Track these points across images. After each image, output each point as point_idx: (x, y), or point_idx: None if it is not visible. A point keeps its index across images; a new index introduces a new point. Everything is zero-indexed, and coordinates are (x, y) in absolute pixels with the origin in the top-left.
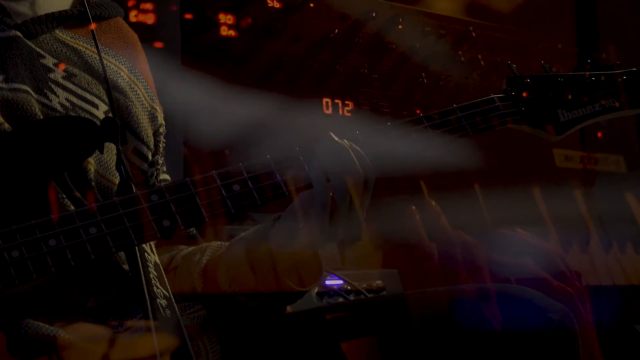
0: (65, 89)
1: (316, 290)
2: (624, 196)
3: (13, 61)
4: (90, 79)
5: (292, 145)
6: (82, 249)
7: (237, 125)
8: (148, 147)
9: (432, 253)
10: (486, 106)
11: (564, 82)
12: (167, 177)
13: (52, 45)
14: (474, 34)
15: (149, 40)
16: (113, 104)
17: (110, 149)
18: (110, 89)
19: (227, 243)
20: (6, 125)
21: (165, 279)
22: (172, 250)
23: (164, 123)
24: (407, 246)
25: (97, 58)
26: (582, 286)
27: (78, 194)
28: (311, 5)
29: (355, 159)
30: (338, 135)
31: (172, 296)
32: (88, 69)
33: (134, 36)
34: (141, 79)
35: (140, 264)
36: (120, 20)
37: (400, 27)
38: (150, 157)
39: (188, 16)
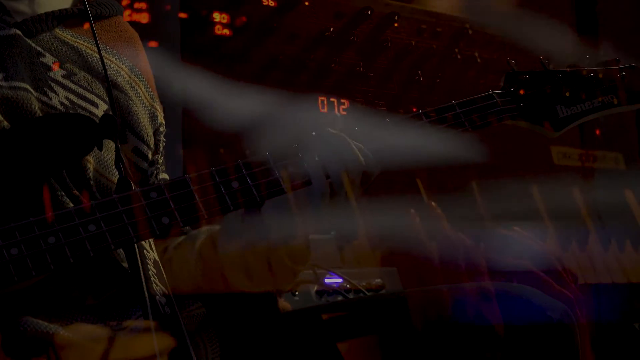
0: (65, 87)
1: (315, 288)
2: (623, 193)
3: (13, 59)
4: (90, 77)
5: (289, 144)
6: (81, 247)
7: (232, 124)
8: (148, 146)
9: (432, 256)
10: (484, 102)
11: (562, 78)
12: (166, 176)
13: (52, 43)
14: (470, 32)
15: (143, 39)
16: (113, 102)
17: (110, 147)
18: (111, 87)
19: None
20: (5, 123)
21: (165, 277)
22: (165, 243)
23: (164, 122)
24: (407, 248)
25: (98, 57)
26: (577, 288)
27: (77, 192)
28: (306, 3)
29: (353, 147)
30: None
31: (171, 293)
32: (88, 67)
33: (134, 35)
34: (142, 78)
35: (139, 261)
36: (121, 18)
37: (395, 25)
38: (150, 156)
39: (182, 15)
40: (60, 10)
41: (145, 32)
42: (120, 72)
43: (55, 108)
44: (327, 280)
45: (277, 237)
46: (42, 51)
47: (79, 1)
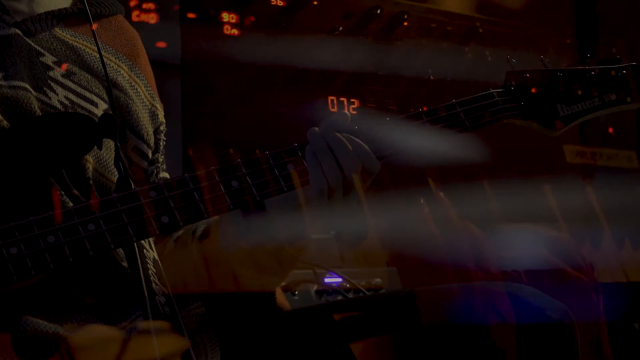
0: (64, 87)
1: (315, 288)
2: (637, 192)
3: (12, 59)
4: (89, 77)
5: (289, 142)
6: (80, 246)
7: (241, 124)
8: (148, 145)
9: (440, 245)
10: (485, 101)
11: (563, 76)
12: (166, 175)
13: (51, 43)
14: (480, 30)
15: (151, 40)
16: (113, 102)
17: (109, 147)
18: (110, 87)
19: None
20: (5, 122)
21: (164, 276)
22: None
23: (164, 121)
24: (416, 242)
25: (97, 56)
26: (595, 277)
27: (76, 192)
28: (315, 2)
29: (347, 144)
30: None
31: (170, 293)
32: (88, 67)
33: (134, 34)
34: (141, 77)
35: (139, 261)
36: (121, 17)
37: (405, 24)
38: (150, 155)
39: (191, 15)
40: (59, 10)
41: (153, 33)
42: (120, 71)
43: (54, 107)
44: (326, 280)
45: (282, 237)
46: (42, 50)
47: (79, 0)
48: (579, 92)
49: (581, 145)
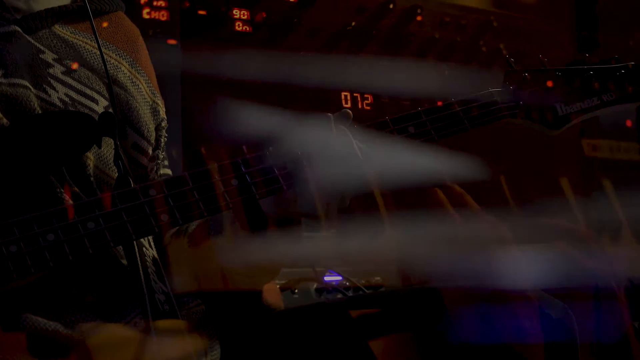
0: (64, 84)
1: (315, 286)
2: None
3: (12, 56)
4: (90, 74)
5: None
6: (80, 244)
7: (253, 122)
8: (148, 141)
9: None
10: (484, 100)
11: (561, 76)
12: (168, 171)
13: (51, 40)
14: (495, 24)
15: (162, 37)
16: (114, 99)
17: (109, 143)
18: (111, 84)
19: None
20: (4, 120)
21: (164, 274)
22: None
23: (165, 117)
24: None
25: (97, 53)
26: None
27: (76, 189)
28: None
29: (355, 144)
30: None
31: (170, 291)
32: (88, 64)
33: (135, 30)
34: (142, 73)
35: (138, 259)
36: (121, 14)
37: (419, 18)
38: (150, 151)
39: (202, 12)
40: (59, 7)
41: (164, 30)
42: (120, 68)
43: (54, 105)
44: (326, 278)
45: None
46: (42, 48)
47: None
48: (578, 92)
49: (599, 139)
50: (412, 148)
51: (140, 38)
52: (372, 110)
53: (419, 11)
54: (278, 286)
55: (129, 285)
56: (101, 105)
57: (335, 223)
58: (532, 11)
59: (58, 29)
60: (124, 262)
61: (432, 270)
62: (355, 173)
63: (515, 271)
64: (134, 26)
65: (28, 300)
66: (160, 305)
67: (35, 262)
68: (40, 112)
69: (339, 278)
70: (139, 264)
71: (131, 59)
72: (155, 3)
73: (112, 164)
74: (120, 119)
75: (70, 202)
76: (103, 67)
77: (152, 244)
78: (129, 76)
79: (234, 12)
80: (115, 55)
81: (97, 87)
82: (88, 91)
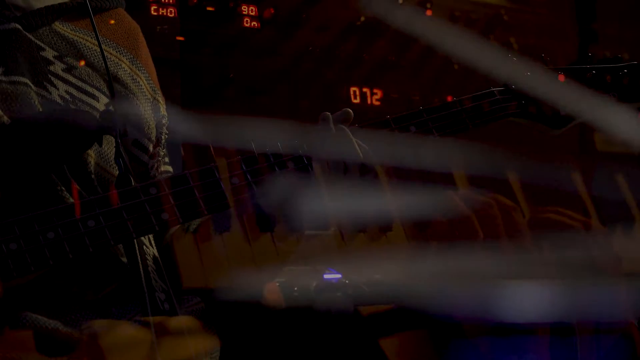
0: (65, 81)
1: (315, 284)
2: None
3: (12, 54)
4: (90, 71)
5: (291, 140)
6: (80, 242)
7: (261, 118)
8: (149, 139)
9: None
10: (486, 99)
11: (564, 75)
12: (169, 168)
13: (51, 37)
14: (505, 18)
15: (170, 34)
16: (114, 96)
17: (110, 141)
18: (111, 81)
19: None
20: (5, 118)
21: (164, 273)
22: None
23: (166, 114)
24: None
25: (98, 50)
26: None
27: (77, 186)
28: None
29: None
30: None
31: (170, 289)
32: (88, 61)
33: (135, 27)
34: (143, 70)
35: (138, 257)
36: (121, 11)
37: (429, 12)
38: (150, 148)
39: (210, 8)
40: (59, 4)
41: (172, 26)
42: (121, 65)
43: (55, 102)
44: (325, 276)
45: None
46: (42, 45)
47: None
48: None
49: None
50: (415, 145)
51: (141, 35)
52: (382, 105)
53: (428, 5)
54: (277, 284)
55: (129, 284)
56: (102, 102)
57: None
58: (543, 5)
59: (58, 26)
60: (124, 260)
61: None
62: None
63: (522, 304)
64: (134, 23)
65: (28, 298)
66: (160, 304)
67: (35, 260)
68: (40, 109)
69: (339, 276)
70: (139, 262)
71: (131, 56)
72: (163, 0)
73: (113, 161)
74: (121, 116)
75: (72, 200)
76: (103, 64)
77: (152, 242)
78: (129, 73)
79: (242, 8)
80: (116, 52)
81: (98, 85)
82: (89, 88)
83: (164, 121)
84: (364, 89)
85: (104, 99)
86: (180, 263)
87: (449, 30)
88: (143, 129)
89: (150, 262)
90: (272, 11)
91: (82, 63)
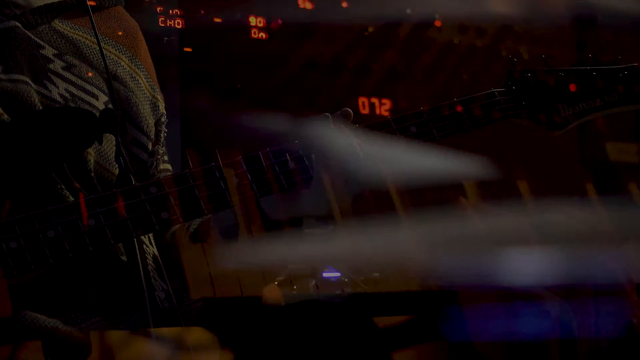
0: (64, 79)
1: (314, 282)
2: None
3: (12, 52)
4: (90, 69)
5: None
6: (80, 241)
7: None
8: (148, 137)
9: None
10: (487, 100)
11: (565, 76)
12: (168, 166)
13: (51, 35)
14: (515, 28)
15: (178, 45)
16: (113, 94)
17: (110, 139)
18: (110, 79)
19: None
20: (5, 116)
21: (164, 272)
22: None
23: (165, 112)
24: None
25: (97, 48)
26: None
27: (77, 185)
28: (344, 5)
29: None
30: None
31: (170, 288)
32: (87, 59)
33: (134, 25)
34: (142, 68)
35: (138, 256)
36: (121, 9)
37: (437, 23)
38: (149, 147)
39: (217, 19)
40: (59, 2)
41: (180, 38)
42: (120, 63)
43: (55, 100)
44: (325, 274)
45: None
46: (42, 43)
47: None
48: (581, 92)
49: (625, 142)
50: (414, 148)
51: (140, 33)
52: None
53: (437, 16)
54: (277, 283)
55: (129, 283)
56: (101, 100)
57: (338, 221)
58: (553, 15)
59: (58, 24)
60: (124, 259)
61: (439, 270)
62: (356, 170)
63: (517, 269)
64: (133, 21)
65: (28, 297)
66: (160, 303)
67: (35, 258)
68: (40, 107)
69: (338, 274)
70: (139, 261)
71: (130, 54)
72: (171, 12)
73: (113, 160)
74: (120, 115)
75: (72, 198)
76: (103, 62)
77: (152, 241)
78: (128, 71)
79: (250, 19)
80: (115, 50)
81: (97, 83)
82: (88, 86)
83: (162, 119)
84: (373, 100)
85: (104, 98)
86: (188, 274)
87: None
88: (142, 128)
89: (150, 261)
90: (280, 22)
91: (90, 74)
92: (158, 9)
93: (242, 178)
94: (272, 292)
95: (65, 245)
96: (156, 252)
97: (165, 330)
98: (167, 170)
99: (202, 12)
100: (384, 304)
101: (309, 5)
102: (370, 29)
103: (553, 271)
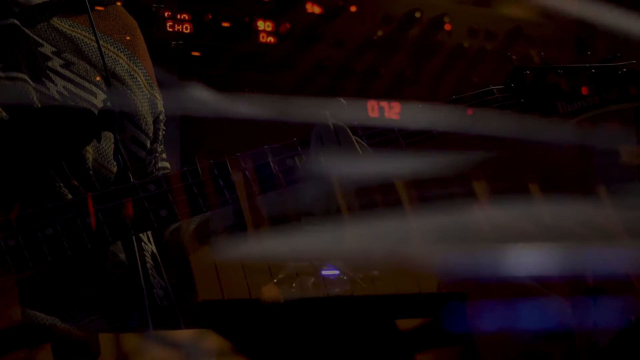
0: (63, 77)
1: (312, 280)
2: None
3: (10, 49)
4: (88, 67)
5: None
6: (78, 238)
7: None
8: (146, 135)
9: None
10: (485, 97)
11: (563, 74)
12: (166, 164)
13: (49, 33)
14: (525, 32)
15: (186, 49)
16: (111, 92)
17: (108, 137)
18: (109, 77)
19: None
20: (3, 114)
21: (163, 269)
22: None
23: (163, 110)
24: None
25: (95, 46)
26: None
27: (76, 183)
28: (352, 9)
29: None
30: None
31: (168, 286)
32: (86, 57)
33: (133, 23)
34: (140, 66)
35: (137, 254)
36: (120, 7)
37: (447, 27)
38: (148, 144)
39: (225, 24)
40: (57, 0)
41: (188, 43)
42: (118, 61)
43: (53, 98)
44: (324, 272)
45: None
46: (40, 41)
47: None
48: (579, 90)
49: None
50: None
51: (138, 30)
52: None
53: (447, 19)
54: (275, 281)
55: (128, 280)
56: (99, 98)
57: (337, 218)
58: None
59: (56, 22)
60: (123, 256)
61: (439, 264)
62: (355, 169)
63: (514, 262)
64: (131, 18)
65: (26, 295)
66: (159, 300)
67: (34, 256)
68: (39, 105)
69: (337, 272)
70: (138, 259)
71: (129, 52)
72: (179, 16)
73: (112, 158)
74: (119, 113)
75: (70, 196)
76: (101, 60)
77: (150, 239)
78: (127, 69)
79: (258, 23)
80: (113, 48)
81: (96, 80)
82: (87, 84)
83: (161, 117)
84: (381, 104)
85: (102, 95)
86: (197, 278)
87: None
88: (141, 125)
89: (148, 259)
90: (288, 26)
91: (98, 78)
92: (166, 14)
93: (243, 175)
94: (270, 290)
95: (63, 243)
96: (155, 250)
97: (180, 335)
98: (166, 168)
99: (210, 16)
100: (400, 306)
101: (317, 10)
102: (380, 33)
103: (555, 266)
